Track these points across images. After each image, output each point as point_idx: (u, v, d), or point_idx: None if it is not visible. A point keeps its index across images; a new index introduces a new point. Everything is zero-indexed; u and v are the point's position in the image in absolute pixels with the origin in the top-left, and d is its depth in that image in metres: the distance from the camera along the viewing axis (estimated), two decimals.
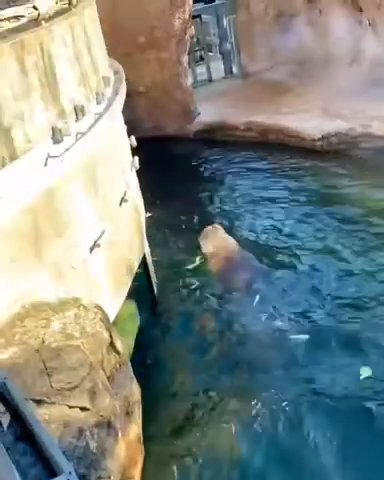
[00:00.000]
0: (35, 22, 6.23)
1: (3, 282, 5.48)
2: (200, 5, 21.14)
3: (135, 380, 5.51)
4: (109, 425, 4.42)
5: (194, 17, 18.68)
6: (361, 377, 7.89)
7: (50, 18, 6.58)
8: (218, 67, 22.33)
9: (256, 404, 7.74)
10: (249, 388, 8.13)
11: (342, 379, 7.90)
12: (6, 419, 3.09)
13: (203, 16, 21.76)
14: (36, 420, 2.84)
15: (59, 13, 7.05)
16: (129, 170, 9.19)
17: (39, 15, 6.14)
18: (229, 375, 8.38)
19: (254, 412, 7.59)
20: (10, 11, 5.67)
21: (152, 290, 10.26)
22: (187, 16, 16.94)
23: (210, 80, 21.87)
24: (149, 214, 10.66)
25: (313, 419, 7.42)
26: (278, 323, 9.24)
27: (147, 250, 9.97)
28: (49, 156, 6.12)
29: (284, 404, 7.63)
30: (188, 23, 17.16)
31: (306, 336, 8.76)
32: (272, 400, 7.76)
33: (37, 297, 5.74)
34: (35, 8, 6.06)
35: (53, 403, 4.22)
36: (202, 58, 22.67)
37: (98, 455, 4.06)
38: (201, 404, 7.97)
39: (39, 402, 4.26)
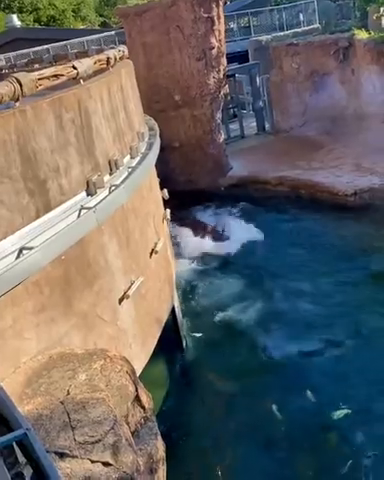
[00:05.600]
0: (74, 81, 6.52)
1: (32, 331, 5.51)
2: (234, 65, 21.83)
3: (160, 436, 5.35)
4: None
5: (228, 76, 19.26)
6: None
7: (88, 77, 6.87)
8: (251, 124, 22.88)
9: (286, 467, 7.48)
10: (278, 450, 7.87)
11: None
12: (28, 471, 3.03)
13: (237, 75, 22.44)
14: (56, 474, 2.78)
15: (97, 72, 7.38)
16: (161, 222, 9.31)
17: (78, 74, 6.42)
18: (258, 432, 8.14)
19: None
20: (50, 70, 5.94)
21: (180, 342, 10.16)
22: (221, 75, 17.50)
23: (243, 136, 22.35)
24: None
25: None
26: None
27: (176, 302, 9.95)
28: (82, 208, 6.25)
29: None
30: (222, 82, 17.70)
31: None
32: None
33: (65, 347, 5.74)
34: (74, 68, 6.34)
35: (75, 457, 4.12)
36: (235, 115, 23.26)
37: None
38: (230, 463, 7.72)
39: (62, 455, 4.17)
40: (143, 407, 5.42)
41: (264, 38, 22.79)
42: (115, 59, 7.98)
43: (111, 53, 7.98)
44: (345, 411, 8.24)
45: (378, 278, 11.91)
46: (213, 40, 16.71)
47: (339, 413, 8.22)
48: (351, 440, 7.84)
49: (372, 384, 8.75)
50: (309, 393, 8.65)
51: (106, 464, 4.22)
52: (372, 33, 18.88)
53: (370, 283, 11.78)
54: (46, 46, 21.76)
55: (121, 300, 7.04)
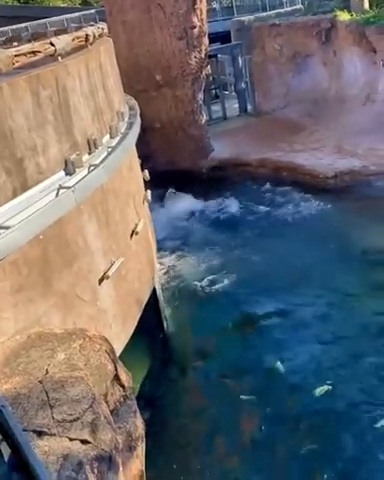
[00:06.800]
0: (51, 58, 6.40)
1: (10, 311, 5.48)
2: (216, 45, 21.60)
3: (139, 415, 5.37)
4: (110, 459, 4.30)
5: (210, 57, 19.09)
6: None
7: (66, 54, 6.75)
8: (233, 105, 22.76)
9: (261, 447, 7.59)
10: (256, 427, 7.97)
11: None
12: (5, 448, 3.03)
13: (219, 56, 22.23)
14: (31, 450, 2.78)
15: (75, 50, 7.25)
16: (141, 203, 9.26)
17: (55, 51, 6.30)
18: (238, 410, 8.23)
19: (260, 452, 7.43)
20: (27, 47, 5.83)
21: (161, 323, 10.18)
22: (203, 55, 17.34)
23: (225, 118, 22.24)
24: None
25: None
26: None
27: (157, 283, 9.95)
28: (61, 187, 6.19)
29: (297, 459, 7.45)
30: (204, 62, 17.54)
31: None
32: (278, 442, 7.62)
33: (43, 327, 5.71)
34: (52, 44, 6.22)
35: (54, 435, 4.13)
36: (217, 96, 23.11)
37: None
38: (209, 441, 7.81)
39: (40, 433, 4.17)
40: (122, 386, 5.43)
41: (246, 18, 22.56)
42: (94, 36, 7.86)
43: (90, 30, 7.85)
44: (325, 387, 8.36)
45: (353, 253, 12.14)
46: (195, 19, 16.52)
47: (320, 389, 8.33)
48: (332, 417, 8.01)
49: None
50: (279, 363, 8.81)
51: (84, 442, 4.23)
52: (354, 15, 18.84)
53: (345, 257, 11.95)
54: (25, 24, 21.31)
55: (101, 281, 7.02)
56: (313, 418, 7.91)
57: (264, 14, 23.15)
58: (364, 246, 12.42)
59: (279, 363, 8.83)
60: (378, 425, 7.58)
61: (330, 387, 8.30)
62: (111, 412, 5.05)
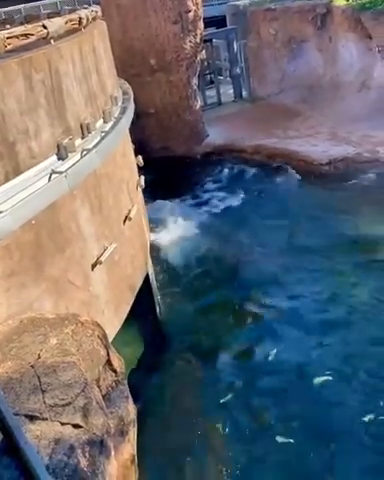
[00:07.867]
0: (44, 40, 6.33)
1: (2, 295, 5.47)
2: (211, 29, 21.43)
3: (131, 400, 5.39)
4: (102, 443, 4.32)
5: (205, 41, 18.95)
6: None
7: (59, 37, 6.67)
8: (228, 91, 22.64)
9: (251, 432, 7.64)
10: (248, 413, 8.03)
11: None
12: None
13: (214, 40, 22.07)
14: (22, 434, 2.79)
15: (69, 33, 7.16)
16: (135, 189, 9.22)
17: (48, 34, 6.23)
18: (229, 395, 8.28)
19: (252, 438, 7.49)
20: (19, 29, 5.75)
21: (154, 308, 10.20)
22: (198, 40, 17.21)
23: (220, 103, 22.13)
24: None
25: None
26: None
27: (150, 268, 9.94)
28: (53, 172, 6.15)
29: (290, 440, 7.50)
30: (199, 47, 17.42)
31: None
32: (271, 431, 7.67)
33: (36, 312, 5.71)
34: (44, 27, 6.14)
35: (45, 419, 4.14)
36: (212, 81, 22.97)
37: (89, 473, 3.97)
38: (200, 427, 7.87)
39: (32, 418, 4.18)
40: (114, 371, 5.44)
41: (242, 3, 22.37)
42: (87, 19, 7.76)
43: (83, 13, 7.75)
44: (324, 378, 8.37)
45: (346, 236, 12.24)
46: (190, 3, 16.38)
47: (317, 380, 8.35)
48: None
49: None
50: (274, 351, 8.84)
51: (76, 426, 4.25)
52: (350, 0, 18.69)
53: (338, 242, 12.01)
54: (18, 6, 21.02)
55: (94, 266, 7.00)
56: (308, 406, 7.94)
57: None
58: (356, 232, 12.46)
59: (274, 350, 8.83)
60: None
61: (329, 378, 8.31)
62: (103, 397, 5.07)
